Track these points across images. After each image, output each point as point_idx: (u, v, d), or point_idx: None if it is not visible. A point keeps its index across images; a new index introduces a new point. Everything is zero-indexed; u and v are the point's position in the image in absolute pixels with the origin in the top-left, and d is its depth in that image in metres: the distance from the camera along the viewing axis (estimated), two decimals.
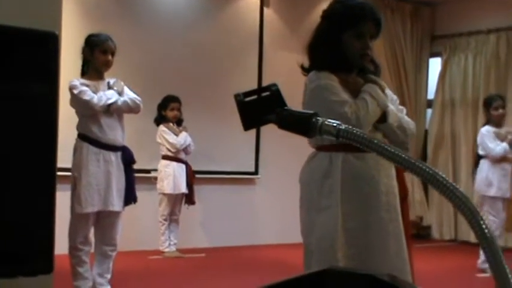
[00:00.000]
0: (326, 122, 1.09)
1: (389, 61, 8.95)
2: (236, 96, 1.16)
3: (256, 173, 7.93)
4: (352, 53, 2.50)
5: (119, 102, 4.34)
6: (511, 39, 8.43)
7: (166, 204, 6.64)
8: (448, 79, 9.12)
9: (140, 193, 6.43)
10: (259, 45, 7.92)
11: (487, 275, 6.14)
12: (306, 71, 2.62)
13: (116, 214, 4.41)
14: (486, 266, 6.21)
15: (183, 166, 6.65)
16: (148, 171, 6.81)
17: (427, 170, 0.96)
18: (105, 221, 4.40)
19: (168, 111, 6.60)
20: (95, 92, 4.29)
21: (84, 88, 4.25)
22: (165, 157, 6.63)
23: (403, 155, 0.98)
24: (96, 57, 4.35)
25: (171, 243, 6.71)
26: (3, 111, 1.33)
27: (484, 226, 0.89)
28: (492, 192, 6.23)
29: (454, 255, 7.67)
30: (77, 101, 4.27)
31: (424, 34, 9.32)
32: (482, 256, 6.28)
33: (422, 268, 6.26)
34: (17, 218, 1.36)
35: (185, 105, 7.10)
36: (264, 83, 7.88)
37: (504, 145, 6.19)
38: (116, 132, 4.37)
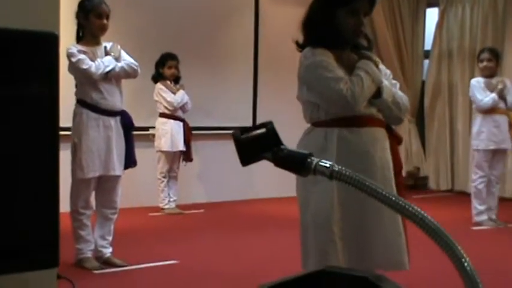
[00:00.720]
0: (320, 163, 1.12)
1: (385, 11, 8.91)
2: (233, 133, 1.20)
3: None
4: (346, 29, 2.52)
5: (117, 69, 4.34)
6: None
7: (165, 161, 6.69)
8: (445, 30, 9.08)
9: (138, 150, 6.48)
10: (255, 1, 7.85)
11: (483, 227, 6.26)
12: (300, 47, 2.63)
13: (117, 178, 4.46)
14: (481, 218, 6.33)
15: (181, 124, 6.68)
16: (146, 129, 6.84)
17: (417, 214, 1.00)
18: (106, 185, 4.45)
19: (165, 69, 6.60)
20: (93, 58, 4.29)
21: (82, 56, 4.24)
22: (162, 115, 6.65)
23: (395, 198, 1.02)
24: (92, 21, 4.33)
25: (171, 199, 6.80)
26: (6, 112, 1.36)
27: (461, 259, 0.93)
28: (482, 145, 6.28)
29: (451, 206, 7.75)
30: (75, 69, 4.27)
31: None
32: (476, 209, 6.38)
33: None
34: (22, 215, 1.40)
35: (182, 62, 7.09)
36: (261, 40, 7.88)
37: (493, 95, 6.19)
38: (114, 98, 4.38)
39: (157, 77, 6.63)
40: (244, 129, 1.20)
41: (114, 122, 4.38)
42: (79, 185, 4.32)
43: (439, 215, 6.98)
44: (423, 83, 9.31)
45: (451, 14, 9.00)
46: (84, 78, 4.30)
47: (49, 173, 1.40)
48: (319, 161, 1.12)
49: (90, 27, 4.36)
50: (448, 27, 9.05)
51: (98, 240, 4.49)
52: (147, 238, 5.64)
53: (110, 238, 4.54)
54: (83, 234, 4.38)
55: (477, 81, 6.32)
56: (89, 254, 4.41)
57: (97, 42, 4.43)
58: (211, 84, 7.51)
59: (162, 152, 6.65)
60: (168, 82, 6.62)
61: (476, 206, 6.36)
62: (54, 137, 1.42)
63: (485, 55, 6.32)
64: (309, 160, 1.15)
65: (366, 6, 2.54)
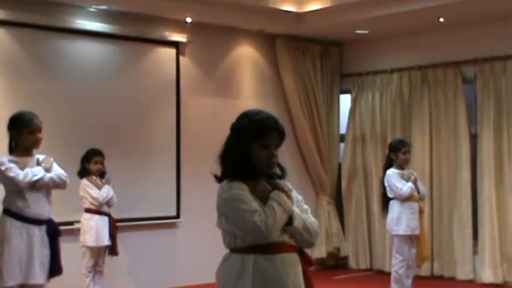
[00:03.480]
0: None
1: (301, 99, 9.34)
2: None
3: (178, 217, 8.16)
4: (259, 162, 2.74)
5: (45, 179, 4.48)
6: (413, 78, 8.97)
7: (90, 256, 6.76)
8: (358, 115, 9.61)
9: (64, 245, 6.57)
10: (176, 93, 8.18)
11: None
12: (218, 179, 2.82)
13: (39, 287, 4.53)
14: None
15: (106, 218, 6.79)
16: (71, 223, 6.94)
17: None
18: None
19: (91, 165, 6.72)
20: (23, 168, 4.43)
21: (11, 165, 4.38)
22: (87, 210, 6.75)
23: None
24: (24, 137, 4.48)
25: None
26: None
27: None
28: (401, 230, 6.61)
29: (370, 285, 8.07)
30: (3, 177, 4.40)
31: (334, 72, 9.78)
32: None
33: None
34: None
35: (106, 155, 7.27)
36: (182, 128, 8.16)
37: (410, 184, 6.63)
38: (40, 206, 4.50)
39: (82, 173, 6.73)
40: None
41: (39, 231, 4.49)
42: None
43: None
44: (340, 165, 9.75)
45: (363, 100, 9.54)
46: (11, 186, 4.42)
47: None
48: None
49: (23, 142, 4.51)
50: (361, 113, 9.58)
51: None
52: None
53: None
54: None
55: (393, 172, 6.67)
56: None
57: (30, 154, 4.57)
58: (136, 176, 7.70)
59: (87, 247, 6.73)
60: (94, 177, 6.75)
61: None
62: None
63: (407, 148, 6.74)
64: None
65: (277, 139, 2.78)
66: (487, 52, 8.23)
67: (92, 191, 6.68)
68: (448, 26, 8.44)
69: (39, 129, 4.53)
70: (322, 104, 9.63)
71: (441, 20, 8.18)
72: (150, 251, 7.92)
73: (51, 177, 4.52)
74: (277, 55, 9.27)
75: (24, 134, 4.47)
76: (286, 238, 2.75)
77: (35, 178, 4.42)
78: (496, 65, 8.18)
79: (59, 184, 4.59)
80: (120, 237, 7.11)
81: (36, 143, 4.53)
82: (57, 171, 4.61)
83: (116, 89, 7.65)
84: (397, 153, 6.70)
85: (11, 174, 4.35)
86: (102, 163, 6.80)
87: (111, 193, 6.80)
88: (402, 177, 6.67)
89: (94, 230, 6.68)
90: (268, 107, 9.18)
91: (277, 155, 2.79)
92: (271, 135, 2.76)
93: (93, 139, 7.14)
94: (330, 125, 9.75)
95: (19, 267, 4.39)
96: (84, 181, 6.72)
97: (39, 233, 4.49)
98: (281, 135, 2.80)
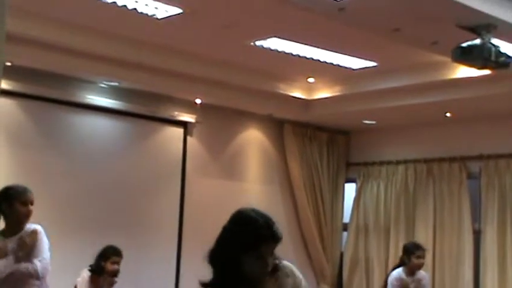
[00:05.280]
0: None
1: (306, 186, 9.35)
2: None
3: None
4: (252, 273, 2.53)
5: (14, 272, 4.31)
6: (418, 171, 8.99)
7: None
8: (362, 204, 9.58)
9: None
10: (181, 173, 8.20)
11: None
12: (208, 285, 2.64)
13: None
14: None
15: None
16: None
17: None
18: None
19: (108, 264, 5.99)
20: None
21: None
22: None
23: None
24: (17, 209, 4.38)
25: None
26: None
27: None
28: None
29: None
30: None
31: (340, 161, 9.82)
32: None
33: None
34: None
35: (106, 232, 7.25)
36: (186, 209, 8.14)
37: None
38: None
39: (97, 271, 6.01)
40: None
41: None
42: None
43: None
44: (342, 254, 9.65)
45: (367, 190, 9.54)
46: None
47: None
48: None
49: (14, 215, 4.40)
50: (365, 202, 9.56)
51: None
52: None
53: None
54: None
55: (398, 276, 6.47)
56: None
57: (20, 228, 4.43)
58: (135, 254, 7.60)
59: None
60: (102, 279, 6.03)
61: None
62: None
63: (422, 252, 6.52)
64: None
65: (273, 248, 2.57)
66: (492, 149, 8.28)
67: None
68: (454, 121, 8.54)
69: (32, 202, 4.45)
70: (327, 192, 9.62)
71: (448, 114, 8.28)
72: None
73: (18, 269, 4.32)
74: (284, 140, 9.34)
75: (16, 205, 4.38)
76: None
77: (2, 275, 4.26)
78: (500, 162, 8.21)
79: (32, 275, 4.37)
80: None
81: (27, 216, 4.43)
82: (39, 256, 4.40)
83: (122, 166, 7.69)
84: (410, 257, 6.47)
85: None
86: (119, 263, 6.09)
87: None
88: (405, 284, 6.52)
89: None
90: (274, 192, 9.20)
91: (270, 264, 2.57)
92: (268, 246, 2.54)
93: (94, 215, 7.14)
94: (333, 213, 9.71)
95: None
96: (84, 275, 6.03)
97: None
98: (277, 242, 2.57)
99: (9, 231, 4.43)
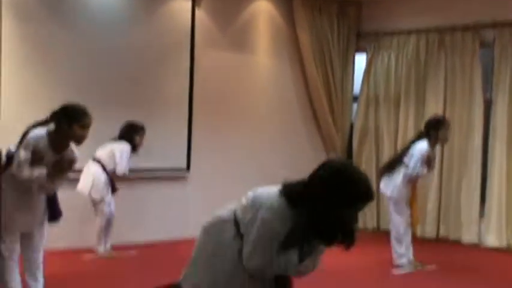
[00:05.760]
0: None
1: (316, 58, 9.30)
2: None
3: (187, 169, 8.21)
4: (342, 227, 2.59)
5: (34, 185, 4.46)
6: (430, 41, 8.87)
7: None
8: (372, 76, 9.55)
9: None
10: (190, 45, 8.13)
11: (402, 271, 6.64)
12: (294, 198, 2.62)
13: (40, 234, 4.70)
14: (401, 261, 6.72)
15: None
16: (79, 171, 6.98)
17: None
18: None
19: (138, 138, 6.88)
20: (40, 159, 4.38)
21: (27, 156, 4.32)
22: (101, 164, 6.77)
23: None
24: (75, 131, 4.38)
25: (106, 243, 6.93)
26: None
27: None
28: (405, 197, 6.71)
29: (376, 245, 8.08)
30: (15, 153, 4.37)
31: (351, 31, 9.68)
32: (397, 252, 6.76)
33: (339, 263, 6.68)
34: None
35: (118, 105, 7.31)
36: (196, 82, 8.15)
37: (424, 173, 6.63)
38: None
39: (130, 142, 6.85)
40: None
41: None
42: None
43: (364, 253, 7.35)
44: (352, 125, 9.74)
45: (378, 61, 9.48)
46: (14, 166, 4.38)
47: None
48: None
49: (70, 135, 4.40)
50: (375, 74, 9.52)
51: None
52: (80, 286, 5.73)
53: None
54: None
55: (426, 148, 6.54)
56: None
57: (65, 148, 4.47)
58: (148, 127, 7.66)
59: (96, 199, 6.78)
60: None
61: (397, 249, 6.75)
62: None
63: (448, 125, 6.69)
64: None
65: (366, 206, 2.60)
66: (507, 15, 8.11)
67: (127, 162, 6.78)
68: None
69: (89, 126, 4.46)
70: (337, 63, 9.56)
71: None
72: (159, 202, 7.99)
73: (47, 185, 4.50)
74: (294, 12, 9.18)
75: (74, 127, 4.37)
76: None
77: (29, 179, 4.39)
78: None
79: (48, 192, 4.58)
80: (129, 187, 7.17)
81: (82, 139, 4.45)
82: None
83: (130, 39, 7.58)
84: (438, 131, 6.56)
85: (17, 168, 4.33)
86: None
87: None
88: (429, 156, 6.61)
89: (104, 183, 6.74)
90: (283, 65, 9.17)
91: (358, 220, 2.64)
92: (364, 205, 2.58)
93: (103, 88, 7.15)
94: (344, 85, 9.71)
95: (22, 216, 4.46)
96: (128, 149, 6.80)
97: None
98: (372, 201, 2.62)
99: (57, 146, 4.45)
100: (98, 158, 6.78)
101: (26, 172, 4.33)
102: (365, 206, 2.58)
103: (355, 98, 9.78)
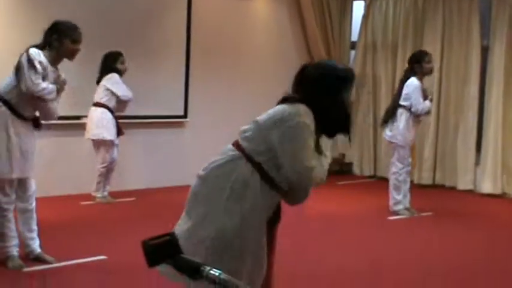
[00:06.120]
0: (211, 271, 1.40)
1: (314, 4, 9.24)
2: (143, 241, 1.46)
3: (185, 116, 8.23)
4: (348, 115, 2.80)
5: (49, 103, 4.47)
6: None
7: (106, 150, 6.82)
8: (370, 22, 9.50)
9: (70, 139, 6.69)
10: None
11: (398, 217, 6.73)
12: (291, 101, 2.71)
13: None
14: (398, 208, 6.80)
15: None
16: (78, 118, 6.99)
17: None
18: None
19: (118, 65, 6.83)
20: (45, 76, 4.38)
21: (39, 72, 4.32)
22: (103, 105, 6.75)
23: None
24: (66, 46, 4.40)
25: (105, 189, 6.98)
26: None
27: None
28: (408, 141, 6.72)
29: (372, 192, 8.18)
30: (21, 74, 4.34)
31: None
32: (394, 199, 6.84)
33: (337, 208, 6.78)
34: None
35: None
36: (193, 29, 8.09)
37: (429, 105, 6.67)
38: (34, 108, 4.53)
39: (113, 70, 6.80)
40: (153, 238, 1.46)
41: (30, 125, 4.53)
42: None
43: (361, 200, 7.45)
44: None
45: (376, 8, 9.42)
46: (22, 86, 4.36)
47: None
48: (210, 269, 1.40)
49: (62, 50, 4.42)
50: (373, 21, 9.47)
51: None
52: (77, 230, 5.78)
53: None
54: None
55: (417, 83, 6.59)
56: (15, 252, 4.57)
57: (57, 64, 4.50)
58: (145, 75, 7.67)
59: (104, 140, 6.79)
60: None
61: (395, 196, 6.81)
62: None
63: (430, 57, 6.70)
64: (202, 268, 1.42)
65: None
66: None
67: (123, 86, 6.79)
68: None
69: (81, 41, 4.46)
70: (335, 10, 9.51)
71: None
72: (157, 149, 8.03)
73: (53, 105, 4.51)
74: None
75: (66, 42, 4.39)
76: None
77: (45, 95, 4.38)
78: None
79: (52, 116, 4.60)
80: (128, 134, 7.18)
81: (73, 54, 4.46)
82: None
83: None
84: (421, 63, 6.63)
85: (32, 83, 4.30)
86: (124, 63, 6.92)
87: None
88: (423, 92, 6.64)
89: (110, 123, 6.76)
90: (281, 10, 9.09)
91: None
92: (352, 84, 2.81)
93: (100, 36, 7.09)
94: (341, 31, 9.67)
95: (20, 161, 4.47)
96: (116, 77, 6.77)
97: (30, 128, 4.52)
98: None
99: (52, 64, 4.46)
100: (96, 101, 6.78)
101: (43, 84, 4.35)
102: (352, 84, 2.77)
103: (353, 45, 9.74)
